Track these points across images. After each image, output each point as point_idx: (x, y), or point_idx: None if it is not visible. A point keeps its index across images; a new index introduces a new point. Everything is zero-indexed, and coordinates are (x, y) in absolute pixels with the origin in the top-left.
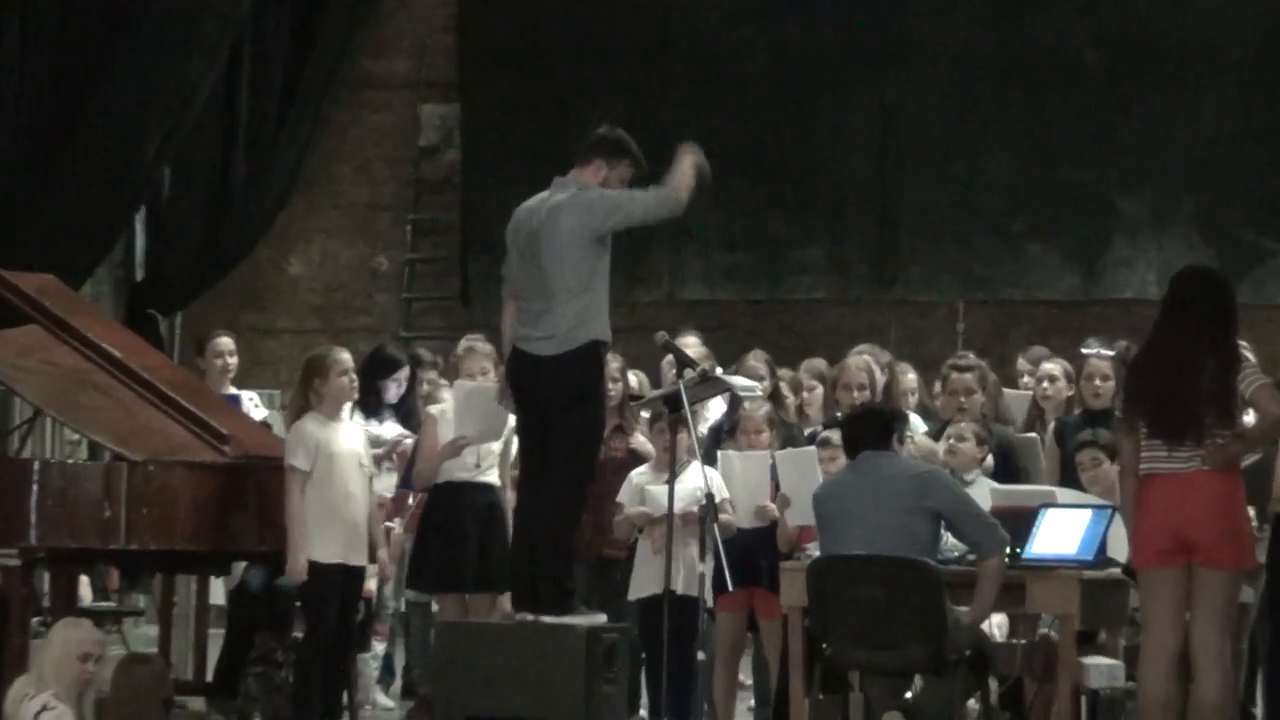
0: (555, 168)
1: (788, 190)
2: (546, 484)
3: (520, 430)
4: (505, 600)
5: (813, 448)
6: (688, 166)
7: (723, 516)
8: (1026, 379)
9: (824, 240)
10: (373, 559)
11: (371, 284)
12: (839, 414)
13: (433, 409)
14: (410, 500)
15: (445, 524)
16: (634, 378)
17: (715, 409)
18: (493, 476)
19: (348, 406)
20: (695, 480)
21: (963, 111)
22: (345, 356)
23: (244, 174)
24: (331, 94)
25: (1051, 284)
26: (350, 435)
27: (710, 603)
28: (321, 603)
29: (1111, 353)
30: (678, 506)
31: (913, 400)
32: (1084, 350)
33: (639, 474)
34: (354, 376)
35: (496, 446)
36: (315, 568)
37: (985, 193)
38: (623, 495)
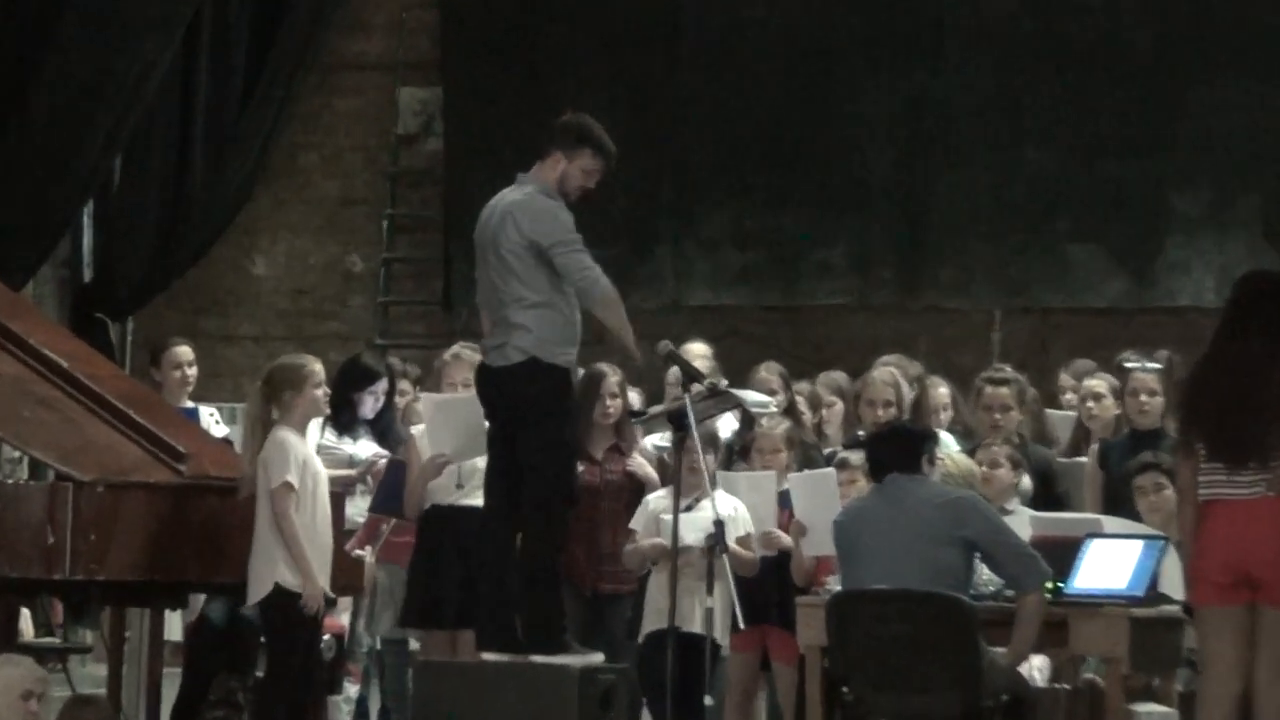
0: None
1: (805, 185)
2: (515, 508)
3: (488, 446)
4: None
5: (831, 470)
6: (625, 332)
7: (744, 553)
8: (1070, 396)
9: (845, 240)
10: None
11: (344, 286)
12: (861, 433)
13: (414, 430)
14: (384, 526)
15: (428, 553)
16: (634, 394)
17: (725, 427)
18: (478, 499)
19: (315, 424)
20: (724, 509)
21: (999, 99)
22: (320, 368)
23: (203, 164)
24: (300, 76)
25: (1097, 290)
26: (318, 453)
27: (721, 641)
28: (291, 637)
29: (1158, 365)
30: (696, 537)
31: (945, 417)
32: (1124, 364)
33: (656, 499)
34: (326, 389)
35: (481, 463)
36: (286, 595)
37: (1024, 189)
38: (636, 522)
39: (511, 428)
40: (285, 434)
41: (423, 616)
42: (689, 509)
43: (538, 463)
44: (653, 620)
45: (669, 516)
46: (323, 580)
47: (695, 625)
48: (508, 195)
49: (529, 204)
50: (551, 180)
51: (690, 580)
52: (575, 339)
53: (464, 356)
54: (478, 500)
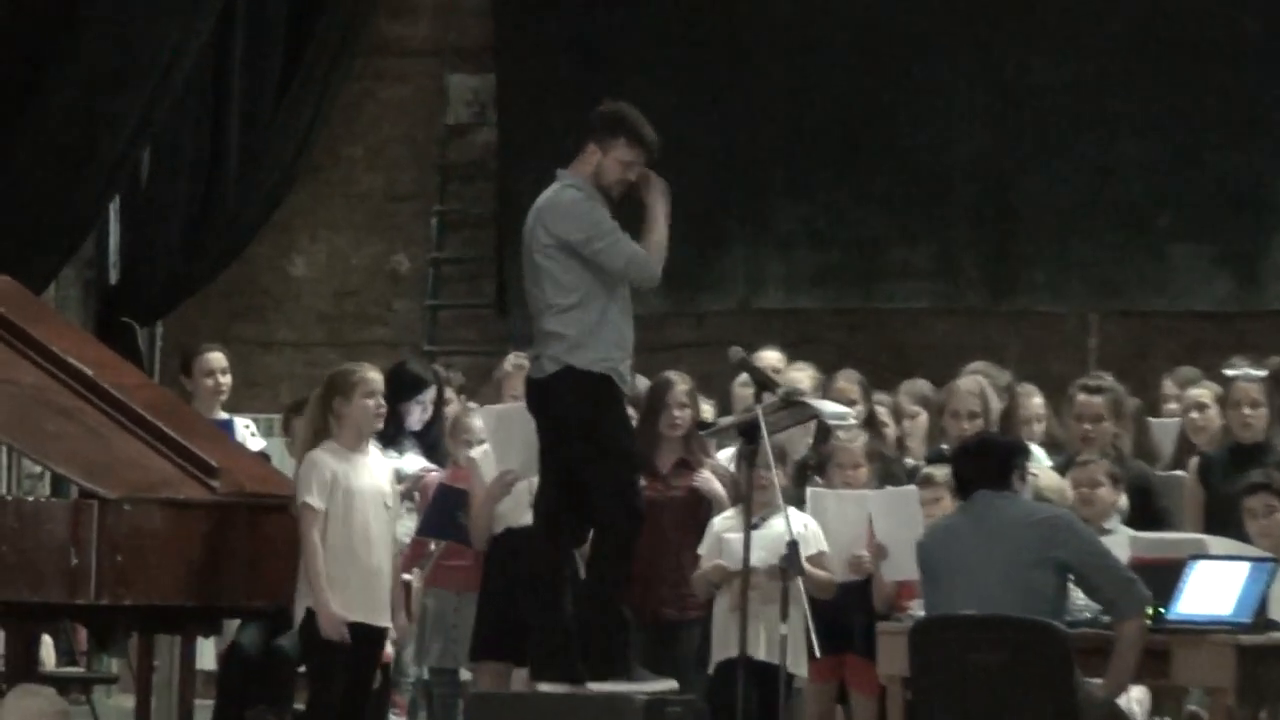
0: None
1: (885, 179)
2: (566, 527)
3: (539, 462)
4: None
5: (913, 487)
6: (663, 224)
7: (819, 574)
8: (1174, 405)
9: (928, 238)
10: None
11: (389, 288)
12: (945, 446)
13: (474, 453)
14: (432, 548)
15: (506, 583)
16: (706, 406)
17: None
18: None
19: (369, 436)
20: (793, 526)
21: (1095, 84)
22: (375, 376)
23: (237, 156)
24: (342, 62)
25: (1201, 291)
26: (374, 470)
27: (796, 671)
28: (330, 668)
29: (1262, 373)
30: (762, 557)
31: (1037, 430)
32: (1227, 371)
33: (722, 520)
34: (382, 401)
35: None
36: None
37: (1122, 182)
38: (703, 546)
39: (558, 443)
40: (316, 453)
41: (502, 649)
42: (756, 527)
43: (590, 479)
44: (721, 648)
45: (732, 536)
46: (366, 607)
47: (765, 652)
48: (543, 194)
49: (555, 200)
50: (587, 174)
51: (758, 604)
52: (619, 340)
53: (526, 365)
54: None
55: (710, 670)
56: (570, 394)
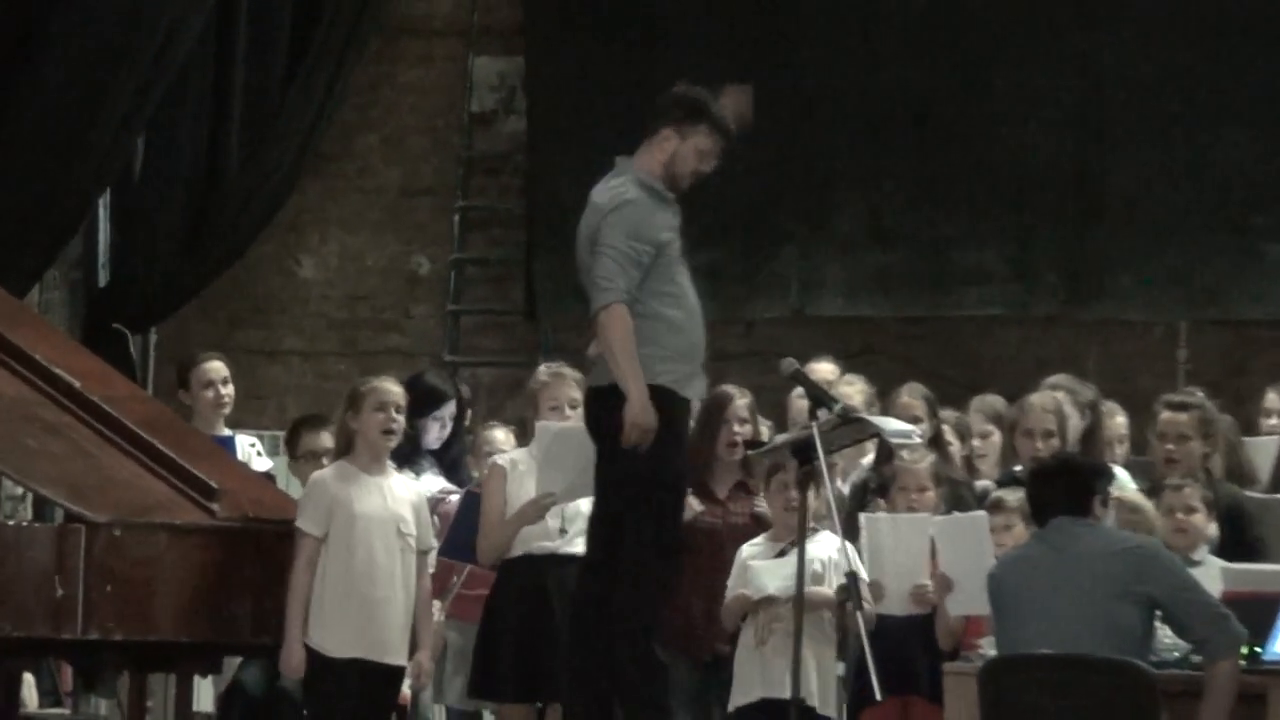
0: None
1: (954, 174)
2: (610, 558)
3: (595, 484)
4: None
5: (981, 513)
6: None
7: (824, 592)
8: (1275, 420)
9: (1002, 240)
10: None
11: (407, 292)
12: (1018, 468)
13: (500, 459)
14: (455, 578)
15: (521, 611)
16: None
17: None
18: (583, 546)
19: (386, 456)
20: (821, 552)
21: (1186, 73)
22: (389, 388)
23: (240, 147)
24: (357, 43)
25: None
26: (391, 494)
27: (826, 713)
28: (332, 711)
29: None
30: (781, 586)
31: (1120, 451)
32: None
33: (749, 547)
34: (395, 415)
35: (586, 506)
36: (325, 663)
37: (1216, 179)
38: (731, 575)
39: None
40: (319, 475)
41: (519, 688)
42: (782, 554)
43: (624, 503)
44: (743, 690)
45: (757, 563)
46: (370, 642)
47: (798, 691)
48: (606, 183)
49: (604, 194)
50: (658, 163)
51: (781, 638)
52: (680, 349)
53: (567, 375)
54: (581, 548)
55: (729, 711)
56: (618, 407)
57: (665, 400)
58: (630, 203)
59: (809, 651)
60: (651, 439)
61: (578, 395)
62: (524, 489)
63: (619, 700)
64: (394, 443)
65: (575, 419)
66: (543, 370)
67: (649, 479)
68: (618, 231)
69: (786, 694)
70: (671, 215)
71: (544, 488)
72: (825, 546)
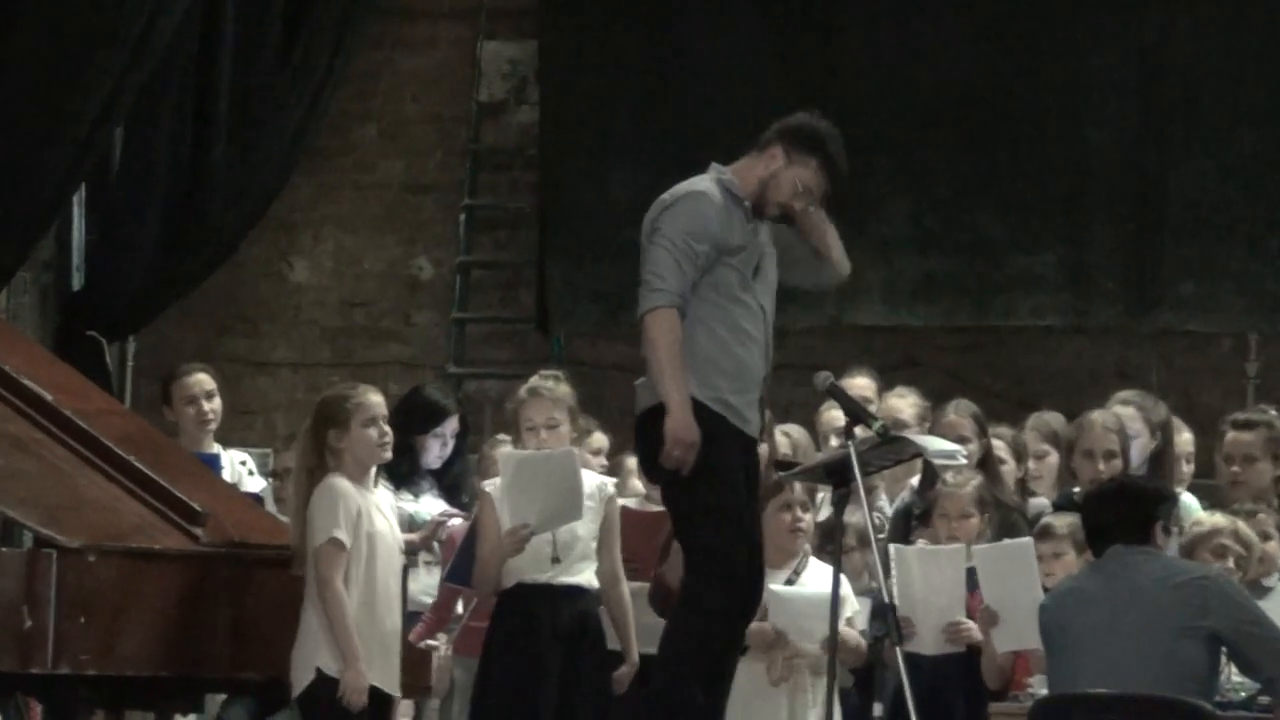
0: (672, 131)
1: (1004, 172)
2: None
3: None
4: None
5: (1028, 540)
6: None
7: (853, 634)
8: None
9: (1057, 244)
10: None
11: (409, 298)
12: (1075, 490)
13: (487, 485)
14: (460, 607)
15: (513, 645)
16: (785, 437)
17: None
18: (583, 575)
19: (372, 471)
20: (822, 584)
21: (1254, 65)
22: (374, 399)
23: (227, 139)
24: (354, 26)
25: None
26: (387, 513)
27: None
28: None
29: None
30: (790, 622)
31: (1186, 471)
32: None
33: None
34: (385, 428)
35: (583, 529)
36: (331, 685)
37: None
38: None
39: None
40: (336, 480)
41: None
42: (790, 583)
43: (682, 537)
44: None
45: (778, 588)
46: (382, 669)
47: None
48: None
49: (686, 185)
50: (755, 178)
51: (802, 677)
52: (732, 367)
53: (544, 392)
54: (580, 578)
55: None
56: (654, 429)
57: (714, 424)
58: (700, 195)
59: (811, 695)
60: (693, 458)
61: (558, 415)
62: (507, 517)
63: None
64: (388, 457)
65: (553, 441)
66: (522, 388)
67: (710, 507)
68: (677, 224)
69: None
70: (747, 224)
71: (516, 519)
72: (819, 576)
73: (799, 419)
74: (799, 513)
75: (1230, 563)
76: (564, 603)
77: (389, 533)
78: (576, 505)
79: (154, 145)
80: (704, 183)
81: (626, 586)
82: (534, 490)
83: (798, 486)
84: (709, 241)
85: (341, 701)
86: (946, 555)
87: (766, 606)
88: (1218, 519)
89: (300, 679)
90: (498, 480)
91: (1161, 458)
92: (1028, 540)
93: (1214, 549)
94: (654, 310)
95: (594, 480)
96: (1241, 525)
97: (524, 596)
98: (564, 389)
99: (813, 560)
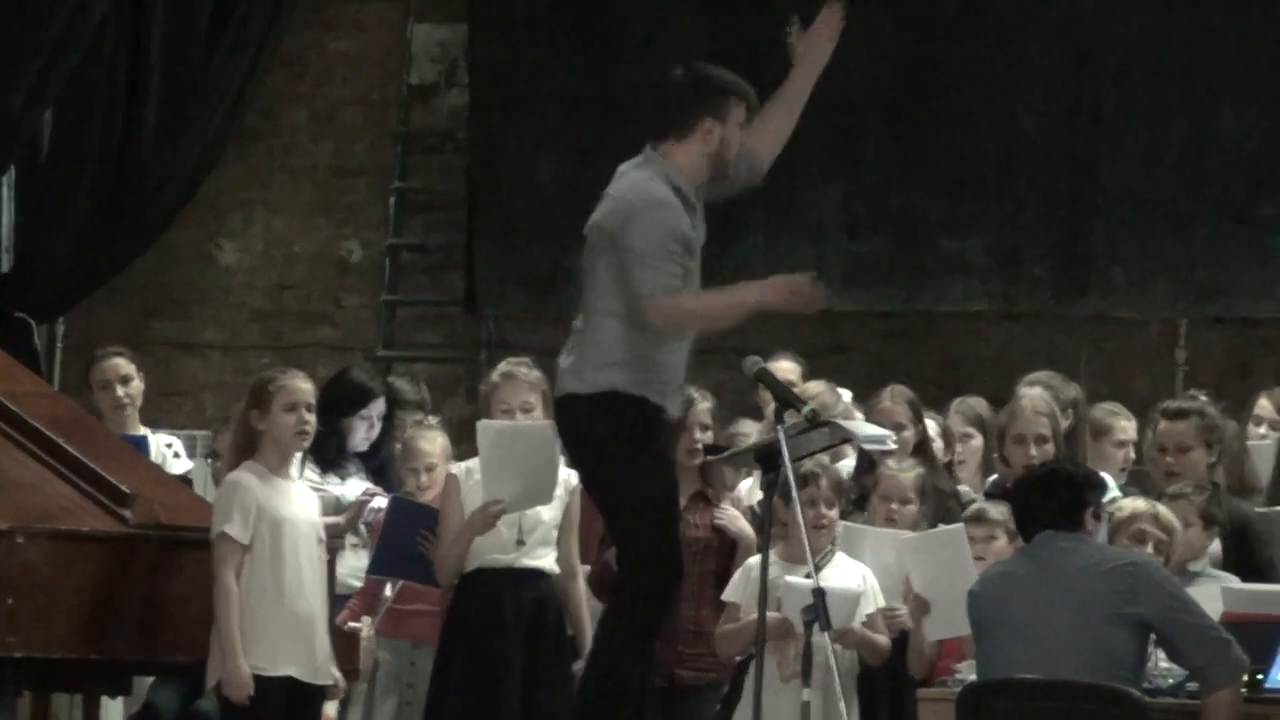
0: (602, 115)
1: (934, 155)
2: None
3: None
4: None
5: (959, 527)
6: (738, 304)
7: (875, 637)
8: (1266, 429)
9: (987, 230)
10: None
11: (338, 281)
12: (995, 477)
13: (454, 468)
14: (387, 591)
15: (474, 634)
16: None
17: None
18: (545, 559)
19: (298, 458)
20: (844, 577)
21: (1188, 48)
22: (299, 385)
23: (156, 122)
24: (283, 7)
25: None
26: (302, 498)
27: None
28: None
29: None
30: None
31: (1120, 456)
32: None
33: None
34: (307, 414)
35: (548, 514)
36: (258, 683)
37: (1218, 165)
38: (732, 592)
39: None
40: (238, 474)
41: (470, 713)
42: (808, 577)
43: (610, 526)
44: None
45: (795, 580)
46: (299, 660)
47: None
48: (625, 170)
49: (645, 191)
50: (703, 159)
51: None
52: (664, 363)
53: (519, 376)
54: (541, 562)
55: None
56: (586, 418)
57: (636, 410)
58: (665, 205)
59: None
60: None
61: (532, 399)
62: (477, 500)
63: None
64: (307, 445)
65: (529, 420)
66: (495, 371)
67: (633, 497)
68: (652, 236)
69: None
70: (697, 220)
71: (491, 494)
72: (847, 569)
73: (727, 403)
74: (824, 509)
75: (1149, 548)
76: (525, 586)
77: (304, 519)
78: (551, 483)
79: (83, 127)
80: (659, 188)
81: (583, 580)
82: (512, 465)
83: (823, 483)
84: (680, 241)
85: (237, 696)
86: (887, 538)
87: (780, 599)
88: (1138, 504)
89: (214, 670)
90: (464, 464)
91: (1074, 438)
92: (959, 527)
93: (1133, 534)
94: (657, 304)
95: (561, 470)
96: (1162, 510)
97: (486, 580)
98: (536, 374)
99: (839, 555)
